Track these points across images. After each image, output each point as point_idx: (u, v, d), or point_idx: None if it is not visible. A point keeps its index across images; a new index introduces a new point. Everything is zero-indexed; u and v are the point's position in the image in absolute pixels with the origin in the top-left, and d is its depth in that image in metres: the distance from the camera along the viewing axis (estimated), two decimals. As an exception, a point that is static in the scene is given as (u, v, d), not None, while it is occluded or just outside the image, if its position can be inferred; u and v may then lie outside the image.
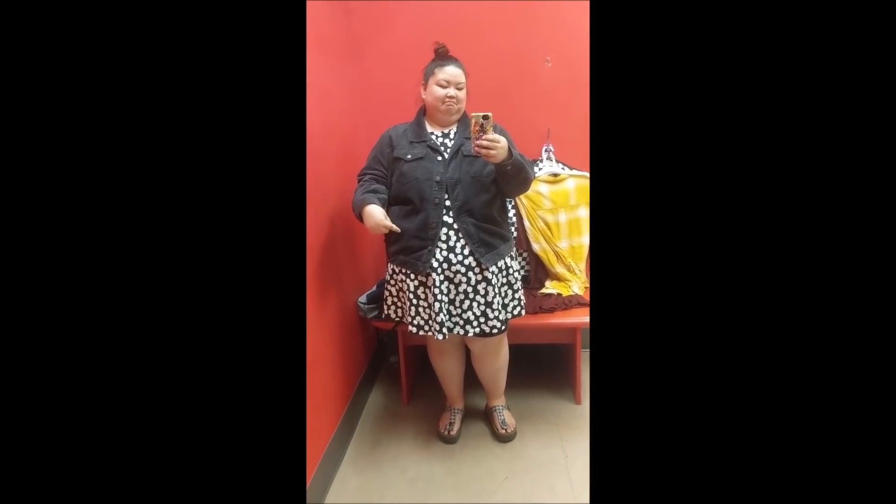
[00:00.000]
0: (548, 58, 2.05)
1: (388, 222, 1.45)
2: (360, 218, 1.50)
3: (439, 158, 1.50)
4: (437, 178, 1.47)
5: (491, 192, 1.50)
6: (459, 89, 1.50)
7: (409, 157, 1.51)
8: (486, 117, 1.34)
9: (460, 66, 1.51)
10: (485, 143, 1.34)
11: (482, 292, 1.52)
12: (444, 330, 1.53)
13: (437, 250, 1.48)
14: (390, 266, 1.62)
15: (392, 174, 1.55)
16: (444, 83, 1.49)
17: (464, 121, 1.57)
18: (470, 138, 1.42)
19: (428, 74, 1.52)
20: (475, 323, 1.54)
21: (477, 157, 1.41)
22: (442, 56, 1.52)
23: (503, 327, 1.58)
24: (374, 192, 1.52)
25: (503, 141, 1.36)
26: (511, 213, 1.89)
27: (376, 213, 1.44)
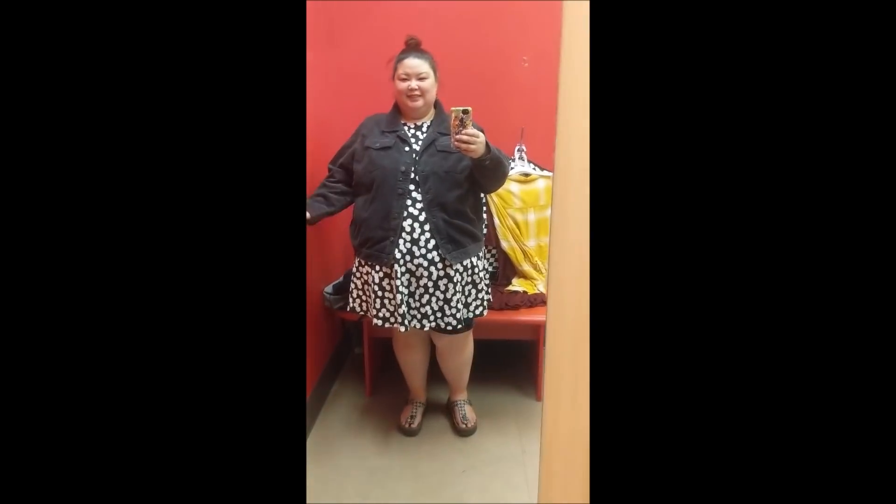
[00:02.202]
0: (525, 58, 2.06)
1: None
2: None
3: (407, 149, 1.50)
4: (402, 169, 1.47)
5: (463, 188, 1.50)
6: (422, 80, 1.49)
7: (378, 145, 1.51)
8: (465, 112, 1.35)
9: (422, 57, 1.50)
10: (464, 137, 1.35)
11: (442, 288, 1.53)
12: (406, 322, 1.54)
13: (401, 241, 1.48)
14: (357, 259, 1.62)
15: (360, 162, 1.55)
16: (405, 76, 1.49)
17: (440, 114, 1.57)
18: (446, 133, 1.43)
19: (393, 68, 1.53)
20: (432, 318, 1.55)
21: (451, 152, 1.41)
22: (408, 48, 1.52)
23: (459, 326, 1.59)
24: (321, 197, 1.61)
25: (482, 136, 1.37)
26: (481, 210, 1.91)
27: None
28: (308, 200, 1.57)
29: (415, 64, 1.48)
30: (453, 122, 1.36)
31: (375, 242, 1.51)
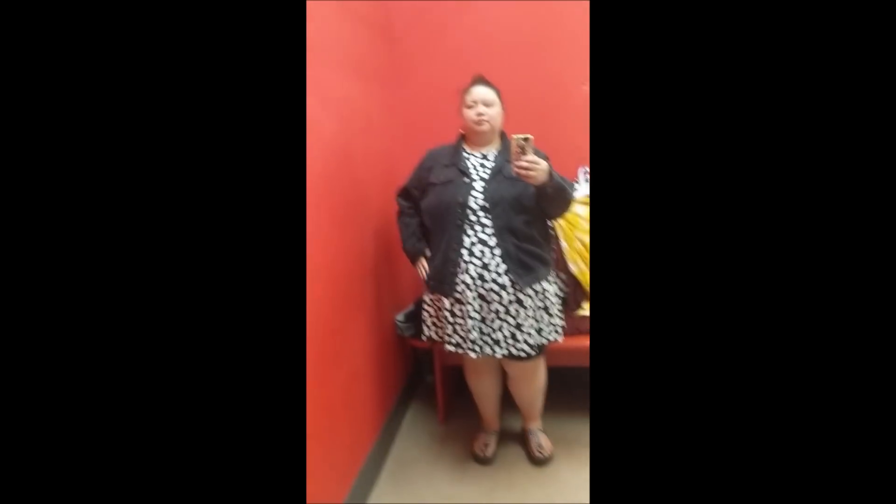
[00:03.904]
0: (584, 81, 2.07)
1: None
2: (409, 254, 1.71)
3: (466, 180, 1.54)
4: (461, 200, 1.52)
5: (532, 214, 1.52)
6: (488, 106, 1.56)
7: (440, 180, 1.58)
8: (526, 139, 1.37)
9: (488, 85, 1.58)
10: (525, 164, 1.38)
11: (513, 313, 1.53)
12: (476, 348, 1.55)
13: (471, 267, 1.51)
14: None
15: (426, 198, 1.62)
16: (472, 103, 1.56)
17: (505, 143, 1.62)
18: (510, 161, 1.46)
19: (462, 99, 1.60)
20: (503, 344, 1.55)
21: (518, 178, 1.44)
22: (475, 81, 1.60)
23: (532, 352, 1.57)
24: (421, 240, 1.70)
25: (543, 163, 1.39)
26: (548, 234, 1.90)
27: (421, 266, 1.67)
28: (418, 246, 1.69)
29: (482, 91, 1.57)
30: (514, 149, 1.39)
31: (440, 274, 1.56)
